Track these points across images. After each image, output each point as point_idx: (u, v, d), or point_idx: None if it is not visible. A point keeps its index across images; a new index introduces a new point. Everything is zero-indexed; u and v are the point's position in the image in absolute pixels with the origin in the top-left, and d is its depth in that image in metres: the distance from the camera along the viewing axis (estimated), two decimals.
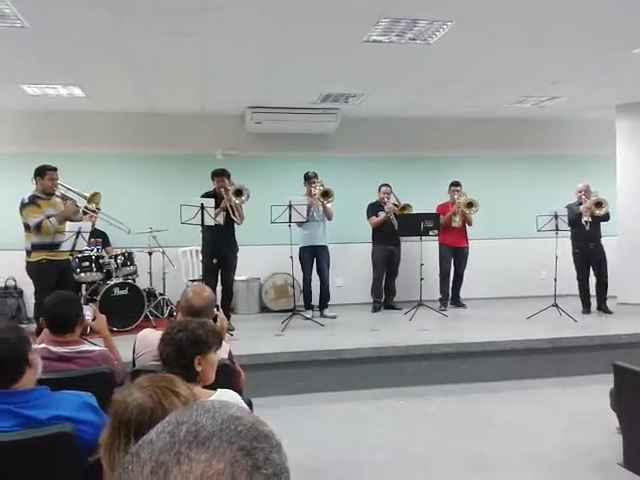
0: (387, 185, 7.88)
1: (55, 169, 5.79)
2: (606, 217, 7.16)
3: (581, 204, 7.24)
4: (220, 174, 6.62)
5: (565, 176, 8.56)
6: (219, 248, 6.52)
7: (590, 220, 7.06)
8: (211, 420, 0.59)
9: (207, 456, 0.55)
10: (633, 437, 3.72)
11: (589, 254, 7.29)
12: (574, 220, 7.12)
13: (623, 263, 7.77)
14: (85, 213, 6.20)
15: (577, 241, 7.31)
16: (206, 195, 6.46)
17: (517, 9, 4.50)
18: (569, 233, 7.29)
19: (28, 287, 6.94)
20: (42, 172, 5.72)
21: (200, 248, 6.88)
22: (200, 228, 6.29)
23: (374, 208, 7.85)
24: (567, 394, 5.35)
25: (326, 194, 7.12)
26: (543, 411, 4.95)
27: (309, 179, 7.29)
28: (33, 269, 5.72)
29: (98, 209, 6.23)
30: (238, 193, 6.47)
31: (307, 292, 7.40)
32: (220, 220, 6.42)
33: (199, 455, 0.55)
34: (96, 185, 6.26)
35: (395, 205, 7.82)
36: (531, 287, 8.43)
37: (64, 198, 5.83)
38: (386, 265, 7.91)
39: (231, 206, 6.46)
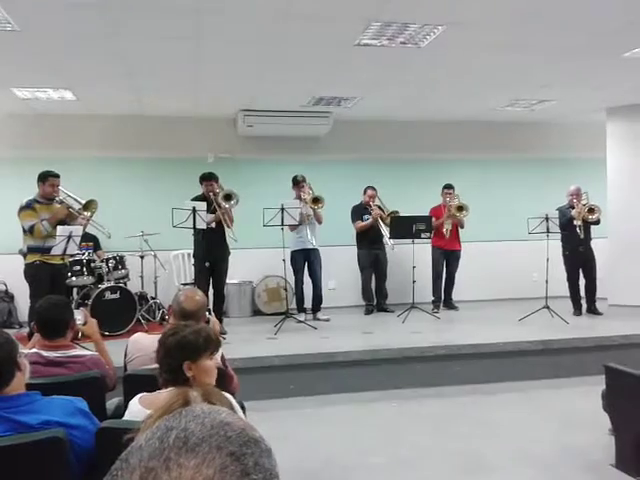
0: (373, 188, 7.81)
1: (57, 176, 5.82)
2: (597, 221, 7.21)
3: (572, 207, 7.27)
4: (208, 178, 6.59)
5: (556, 178, 8.62)
6: (211, 251, 6.50)
7: (581, 224, 7.10)
8: (200, 426, 0.59)
9: (196, 462, 0.55)
10: (625, 438, 3.73)
11: (579, 256, 7.32)
12: (565, 224, 7.15)
13: (614, 265, 7.82)
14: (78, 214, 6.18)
15: (567, 244, 7.35)
16: (196, 199, 6.44)
17: (508, 13, 4.53)
18: (559, 235, 7.32)
19: (19, 292, 6.92)
20: (44, 178, 5.79)
21: (192, 252, 6.87)
22: (192, 231, 6.28)
23: (359, 211, 7.79)
24: (559, 395, 5.36)
25: (316, 200, 7.10)
26: (536, 413, 4.96)
27: (298, 183, 7.27)
28: (28, 271, 5.76)
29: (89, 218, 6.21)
30: (227, 197, 6.45)
31: (299, 295, 7.40)
32: (212, 224, 6.41)
33: (188, 461, 0.55)
34: (87, 188, 6.25)
35: (380, 208, 7.75)
36: (523, 289, 8.47)
37: (63, 204, 5.85)
38: (373, 269, 7.88)
39: (222, 214, 6.44)
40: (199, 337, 2.27)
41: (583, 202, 7.22)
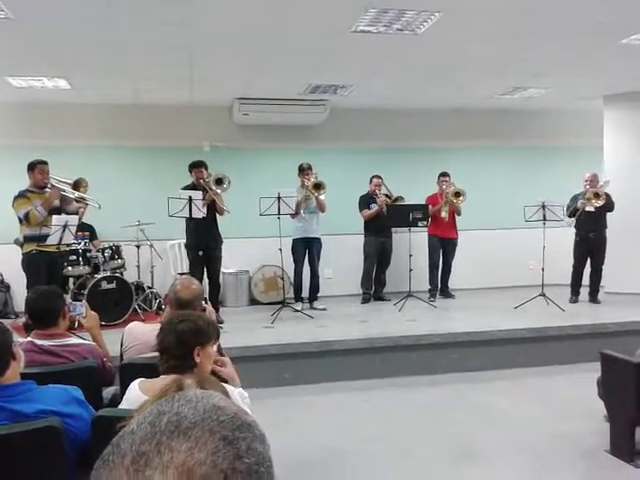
0: (379, 177, 7.85)
1: (45, 163, 5.83)
2: (609, 207, 7.15)
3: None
4: (198, 165, 6.56)
5: (553, 166, 8.63)
6: (203, 240, 6.48)
7: (592, 210, 7.05)
8: (193, 410, 0.58)
9: (188, 446, 0.54)
10: (619, 425, 3.76)
11: (589, 243, 7.32)
12: (574, 209, 7.14)
13: (611, 252, 7.81)
14: (77, 201, 6.15)
15: (580, 230, 7.33)
16: (186, 188, 6.41)
17: (504, 0, 4.50)
18: (558, 222, 7.28)
19: (16, 281, 6.90)
20: (33, 166, 5.81)
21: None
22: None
23: (366, 200, 7.83)
24: (555, 383, 5.39)
25: (318, 186, 7.07)
26: (531, 400, 4.99)
27: (303, 171, 7.22)
28: (25, 261, 5.77)
29: (84, 200, 6.18)
30: (219, 182, 6.42)
31: (298, 284, 7.39)
32: (204, 212, 6.38)
33: (180, 445, 0.54)
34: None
35: (387, 196, 7.81)
36: (519, 277, 8.47)
37: (55, 188, 5.84)
38: (378, 257, 7.91)
39: (214, 194, 6.39)
40: (207, 324, 2.32)
41: (599, 186, 7.16)
